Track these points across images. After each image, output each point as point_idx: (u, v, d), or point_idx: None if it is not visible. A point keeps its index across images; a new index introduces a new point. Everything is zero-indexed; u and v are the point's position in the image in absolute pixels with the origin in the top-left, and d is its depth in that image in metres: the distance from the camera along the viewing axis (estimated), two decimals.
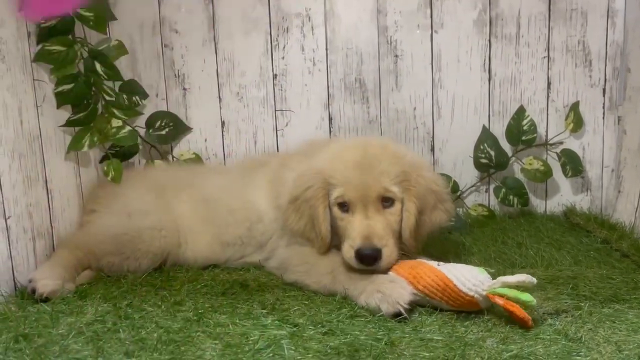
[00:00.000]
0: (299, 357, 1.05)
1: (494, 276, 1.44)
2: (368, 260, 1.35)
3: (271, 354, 1.06)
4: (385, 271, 1.36)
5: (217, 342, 1.13)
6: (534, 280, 1.22)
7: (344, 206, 1.45)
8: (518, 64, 2.09)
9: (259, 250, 1.68)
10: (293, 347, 1.09)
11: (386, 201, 1.44)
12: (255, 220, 1.67)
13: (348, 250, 1.39)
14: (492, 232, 1.93)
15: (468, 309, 1.26)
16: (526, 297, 1.17)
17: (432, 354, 1.06)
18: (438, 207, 1.51)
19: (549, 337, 1.13)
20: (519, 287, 1.21)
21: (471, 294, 1.23)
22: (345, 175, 1.44)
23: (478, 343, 1.11)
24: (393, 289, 1.28)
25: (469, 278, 1.25)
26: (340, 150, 1.54)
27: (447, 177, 2.10)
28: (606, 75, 2.08)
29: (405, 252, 1.45)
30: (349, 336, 1.14)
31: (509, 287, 1.20)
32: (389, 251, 1.37)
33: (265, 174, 1.72)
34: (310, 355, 1.06)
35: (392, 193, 1.43)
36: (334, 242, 1.49)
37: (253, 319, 1.25)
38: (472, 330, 1.17)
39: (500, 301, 1.19)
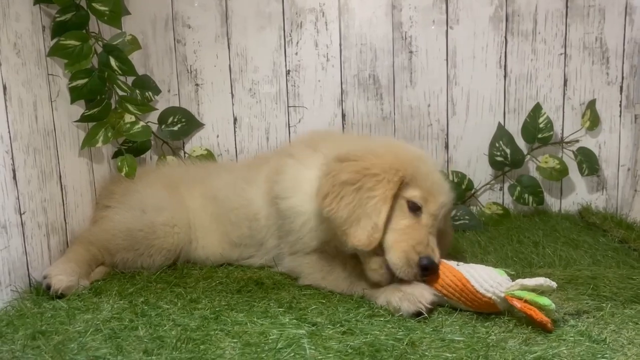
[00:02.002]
0: (320, 357, 1.04)
1: (513, 277, 1.44)
2: (429, 272, 1.29)
3: (292, 354, 1.04)
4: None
5: (236, 340, 1.12)
6: (554, 284, 1.19)
7: (416, 208, 1.36)
8: (534, 61, 2.06)
9: (259, 251, 1.64)
10: (313, 347, 1.07)
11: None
12: (253, 218, 1.63)
13: (401, 254, 1.29)
14: (507, 231, 1.91)
15: (486, 311, 1.24)
16: (544, 301, 1.15)
17: (454, 355, 1.05)
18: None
19: (572, 338, 1.11)
20: (537, 290, 1.19)
21: (488, 295, 1.21)
22: (431, 181, 1.38)
23: (500, 344, 1.10)
24: (415, 288, 1.26)
25: (486, 279, 1.23)
26: (417, 153, 1.46)
27: (462, 175, 2.08)
28: (623, 73, 2.05)
29: None
30: (368, 336, 1.13)
31: (527, 290, 1.18)
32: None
33: (264, 171, 1.67)
34: (331, 355, 1.05)
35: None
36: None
37: (271, 317, 1.24)
38: (493, 331, 1.16)
39: (518, 304, 1.17)
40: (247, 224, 1.64)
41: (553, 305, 1.15)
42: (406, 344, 1.08)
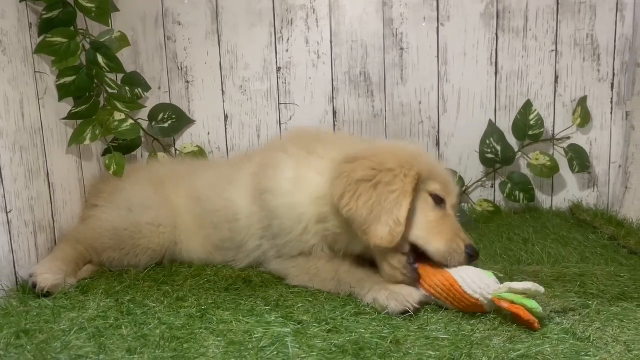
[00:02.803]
0: (303, 355, 1.03)
1: (502, 279, 1.44)
2: (473, 259, 1.32)
3: (275, 352, 1.04)
4: None
5: (220, 339, 1.11)
6: (541, 289, 1.18)
7: (440, 201, 1.37)
8: (525, 58, 2.06)
9: (239, 253, 1.60)
10: (297, 345, 1.07)
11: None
12: (232, 219, 1.59)
13: (445, 245, 1.30)
14: (497, 228, 1.91)
15: (473, 311, 1.24)
16: (532, 303, 1.14)
17: (438, 353, 1.05)
18: None
19: (556, 336, 1.11)
20: (524, 294, 1.18)
21: (476, 296, 1.21)
22: (445, 173, 1.43)
23: (485, 342, 1.10)
24: (402, 287, 1.26)
25: (475, 280, 1.23)
26: (419, 148, 1.51)
27: (453, 172, 2.07)
28: (614, 70, 2.05)
29: None
30: (353, 334, 1.13)
31: (515, 293, 1.18)
32: None
33: (248, 168, 1.63)
34: (314, 353, 1.05)
35: None
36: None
37: (256, 315, 1.24)
38: (478, 329, 1.15)
39: (505, 304, 1.16)
40: (227, 226, 1.60)
41: (540, 309, 1.15)
42: (390, 341, 1.08)
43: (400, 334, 1.12)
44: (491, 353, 1.04)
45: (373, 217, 1.29)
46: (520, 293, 1.17)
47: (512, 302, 1.16)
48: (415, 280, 1.30)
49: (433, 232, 1.33)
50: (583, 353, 1.04)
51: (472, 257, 1.32)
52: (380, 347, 1.06)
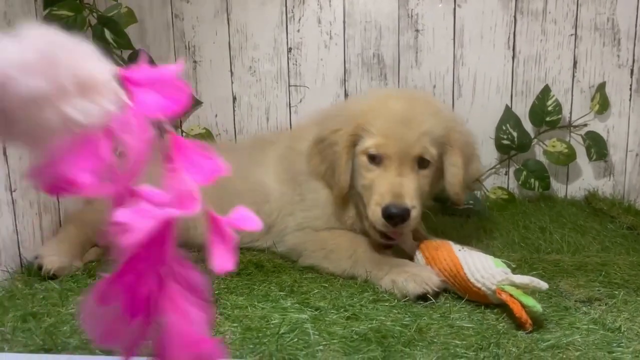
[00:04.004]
0: (324, 343, 0.99)
1: (522, 262, 1.40)
2: (396, 220, 1.26)
3: (295, 339, 1.00)
4: (408, 236, 1.35)
5: (236, 324, 1.07)
6: (544, 285, 1.12)
7: (375, 158, 1.35)
8: (544, 42, 2.00)
9: (266, 235, 1.59)
10: (317, 332, 1.03)
11: (422, 162, 1.35)
12: (261, 202, 1.58)
13: (374, 208, 1.29)
14: (512, 216, 1.87)
15: (479, 300, 1.18)
16: (529, 301, 1.07)
17: (464, 342, 1.01)
18: (474, 158, 1.47)
19: (585, 326, 1.07)
20: (523, 288, 1.12)
21: (478, 285, 1.16)
22: (385, 126, 1.33)
23: (511, 332, 1.06)
24: (421, 270, 1.22)
25: (479, 269, 1.17)
26: (383, 97, 1.43)
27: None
28: (634, 56, 2.00)
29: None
30: (374, 321, 1.09)
31: (515, 286, 1.12)
32: (416, 213, 1.29)
33: (274, 151, 1.64)
34: (335, 340, 1.00)
35: (430, 155, 1.35)
36: (352, 195, 1.43)
37: (272, 301, 1.20)
38: (503, 318, 1.11)
39: (504, 296, 1.10)
40: (255, 208, 1.57)
41: (538, 307, 1.07)
42: (414, 330, 1.04)
43: (422, 322, 1.08)
44: (520, 343, 1.00)
45: (324, 177, 1.44)
46: (520, 287, 1.12)
47: (511, 295, 1.10)
48: (392, 243, 1.35)
49: (367, 194, 1.35)
50: (615, 344, 1.01)
51: (390, 219, 1.26)
52: (403, 336, 1.02)
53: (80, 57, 0.57)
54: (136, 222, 0.57)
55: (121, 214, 0.57)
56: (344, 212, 1.46)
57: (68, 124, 0.55)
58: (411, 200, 1.28)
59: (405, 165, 1.32)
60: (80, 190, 0.57)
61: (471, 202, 1.92)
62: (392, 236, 1.33)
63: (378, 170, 1.34)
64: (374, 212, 1.29)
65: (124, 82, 0.59)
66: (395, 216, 1.25)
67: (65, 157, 0.56)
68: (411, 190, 1.30)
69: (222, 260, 0.65)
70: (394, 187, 1.29)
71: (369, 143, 1.34)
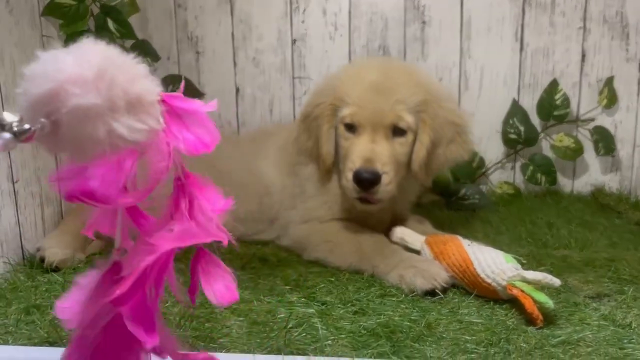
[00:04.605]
0: (332, 337, 0.98)
1: (530, 257, 1.38)
2: (365, 184, 1.29)
3: (303, 334, 0.99)
4: (382, 202, 1.35)
5: (242, 318, 1.06)
6: (556, 282, 1.10)
7: (351, 127, 1.38)
8: (552, 35, 1.97)
9: (270, 228, 1.59)
10: (324, 327, 1.02)
11: (397, 131, 1.36)
12: (264, 194, 1.58)
13: (347, 174, 1.33)
14: (518, 211, 1.85)
15: (488, 296, 1.17)
16: (540, 297, 1.06)
17: (474, 337, 0.99)
18: (456, 140, 1.43)
19: (596, 322, 1.06)
20: (535, 284, 1.11)
21: (488, 280, 1.15)
22: (359, 95, 1.36)
23: (521, 327, 1.05)
24: (430, 266, 1.21)
25: (490, 264, 1.16)
26: (359, 68, 1.46)
27: (473, 153, 2.01)
28: None
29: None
30: (382, 316, 1.07)
31: (527, 282, 1.11)
32: (388, 179, 1.31)
33: (274, 143, 1.64)
34: (343, 335, 0.99)
35: (406, 123, 1.35)
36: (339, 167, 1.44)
37: (277, 295, 1.18)
38: (513, 314, 1.10)
39: (516, 291, 1.09)
40: (257, 199, 1.57)
41: (550, 303, 1.06)
42: (423, 325, 1.03)
43: (431, 317, 1.07)
44: (530, 339, 0.99)
45: (311, 153, 1.46)
46: (532, 283, 1.11)
47: (522, 291, 1.09)
48: (371, 208, 1.37)
49: (343, 163, 1.37)
50: (626, 340, 1.00)
51: (361, 183, 1.29)
52: (412, 331, 1.01)
53: (133, 76, 0.60)
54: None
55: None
56: (330, 185, 1.47)
57: (114, 139, 0.59)
58: (382, 166, 1.30)
59: (378, 133, 1.34)
60: (98, 202, 0.59)
61: (477, 196, 1.91)
62: (369, 199, 1.33)
63: (354, 139, 1.36)
64: (347, 177, 1.33)
65: (163, 106, 0.62)
66: (365, 180, 1.28)
67: (91, 166, 0.59)
68: (383, 157, 1.32)
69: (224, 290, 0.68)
70: (365, 152, 1.32)
71: (345, 112, 1.37)
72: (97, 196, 0.59)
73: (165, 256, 0.67)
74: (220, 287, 0.74)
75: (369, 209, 1.38)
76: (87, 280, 0.71)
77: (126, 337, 0.65)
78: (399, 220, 1.52)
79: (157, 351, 0.69)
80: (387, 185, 1.31)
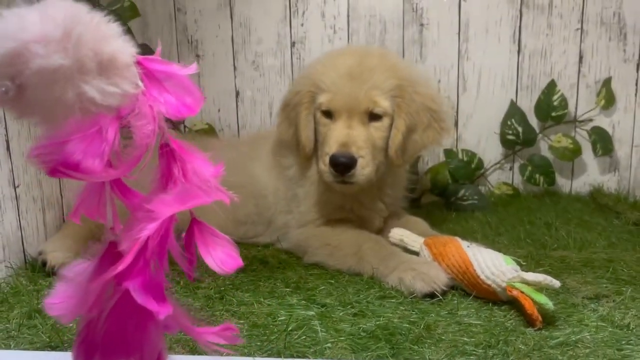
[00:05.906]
0: (332, 340, 0.99)
1: (529, 258, 1.39)
2: (341, 168, 1.32)
3: (303, 336, 0.99)
4: (359, 185, 1.37)
5: (242, 321, 1.07)
6: (556, 283, 1.11)
7: (328, 114, 1.41)
8: (550, 36, 1.98)
9: (268, 230, 1.60)
10: (324, 329, 1.02)
11: (374, 116, 1.39)
12: (259, 196, 1.60)
13: (324, 158, 1.36)
14: (517, 211, 1.86)
15: (488, 297, 1.17)
16: (540, 298, 1.07)
17: (473, 339, 1.00)
18: (432, 126, 1.44)
19: (594, 323, 1.07)
20: (535, 285, 1.11)
21: (488, 282, 1.15)
22: (334, 82, 1.39)
23: (519, 329, 1.05)
24: (429, 268, 1.21)
25: (489, 266, 1.17)
26: (334, 55, 1.49)
27: (472, 154, 2.02)
28: None
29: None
30: (381, 318, 1.08)
31: (527, 284, 1.11)
32: (364, 163, 1.34)
33: (267, 145, 1.65)
34: (343, 338, 1.00)
35: (381, 109, 1.38)
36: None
37: (278, 297, 1.19)
38: (511, 316, 1.11)
39: (515, 292, 1.10)
40: (254, 201, 1.59)
41: (549, 304, 1.06)
42: (422, 327, 1.03)
43: (430, 319, 1.08)
44: (529, 340, 1.00)
45: (291, 142, 1.50)
46: (532, 284, 1.11)
47: (522, 292, 1.10)
48: (349, 189, 1.40)
49: (321, 149, 1.41)
50: (624, 341, 1.00)
51: (337, 167, 1.32)
52: (411, 333, 1.02)
53: (104, 35, 0.55)
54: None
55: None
56: (317, 188, 1.48)
57: (85, 104, 0.54)
58: (358, 150, 1.33)
59: (354, 118, 1.37)
60: (84, 175, 0.55)
61: (475, 197, 1.92)
62: (346, 179, 1.35)
63: (330, 124, 1.40)
64: (324, 161, 1.36)
65: (140, 69, 0.58)
66: (340, 164, 1.31)
67: (72, 138, 0.54)
68: (359, 141, 1.34)
69: (225, 259, 0.65)
70: (341, 137, 1.35)
71: (321, 99, 1.40)
72: (81, 168, 0.54)
73: (166, 223, 0.61)
74: (221, 254, 0.67)
75: (347, 189, 1.41)
76: (74, 272, 0.65)
77: (136, 315, 0.61)
78: (394, 218, 1.53)
79: (171, 324, 0.65)
80: (364, 169, 1.34)
